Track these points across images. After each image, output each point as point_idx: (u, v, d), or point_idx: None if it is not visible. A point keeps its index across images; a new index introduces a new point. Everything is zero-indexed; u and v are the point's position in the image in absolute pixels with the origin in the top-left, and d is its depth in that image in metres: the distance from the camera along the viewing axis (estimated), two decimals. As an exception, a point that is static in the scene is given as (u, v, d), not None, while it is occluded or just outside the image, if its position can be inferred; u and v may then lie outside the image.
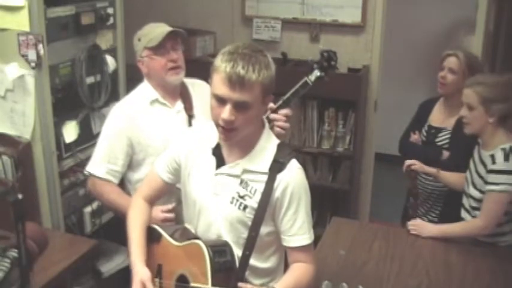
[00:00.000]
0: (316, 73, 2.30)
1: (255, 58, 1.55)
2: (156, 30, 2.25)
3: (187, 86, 2.39)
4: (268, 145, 1.70)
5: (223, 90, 1.55)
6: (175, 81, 2.28)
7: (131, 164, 2.32)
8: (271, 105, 2.24)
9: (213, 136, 1.73)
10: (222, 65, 1.55)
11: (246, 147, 1.68)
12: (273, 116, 2.13)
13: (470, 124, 2.42)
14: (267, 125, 1.76)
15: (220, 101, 1.57)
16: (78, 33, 2.64)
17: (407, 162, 2.72)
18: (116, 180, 2.30)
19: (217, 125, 1.62)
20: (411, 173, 2.76)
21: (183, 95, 2.37)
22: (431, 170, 2.69)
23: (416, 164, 2.70)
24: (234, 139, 1.64)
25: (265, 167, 1.67)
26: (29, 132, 2.51)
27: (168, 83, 2.28)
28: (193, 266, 1.67)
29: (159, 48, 2.23)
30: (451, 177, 2.68)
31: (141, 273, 1.70)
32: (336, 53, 2.33)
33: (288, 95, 2.29)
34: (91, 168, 2.31)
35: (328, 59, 2.32)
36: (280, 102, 2.28)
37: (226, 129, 1.60)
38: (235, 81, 1.53)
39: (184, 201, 1.86)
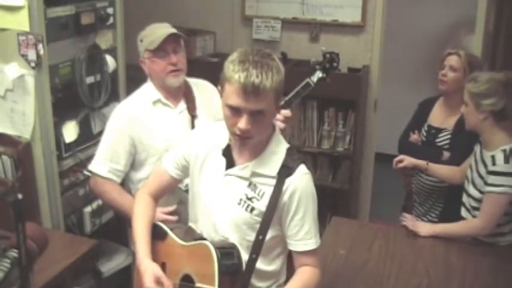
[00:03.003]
0: (318, 74, 2.31)
1: (266, 65, 1.55)
2: (157, 32, 2.25)
3: (191, 86, 2.39)
4: (277, 149, 1.71)
5: (238, 100, 1.55)
6: (174, 84, 2.28)
7: (134, 164, 2.33)
8: None
9: (223, 137, 1.73)
10: (234, 75, 1.53)
11: (256, 149, 1.69)
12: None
13: (466, 120, 2.45)
14: (277, 128, 1.76)
15: (236, 111, 1.57)
16: (78, 33, 2.64)
17: (396, 159, 2.72)
18: (118, 179, 2.31)
19: (233, 134, 1.63)
20: (405, 171, 2.76)
21: (187, 95, 2.37)
22: (421, 162, 2.69)
23: (405, 161, 2.70)
24: (250, 144, 1.65)
25: (274, 171, 1.67)
26: (29, 132, 2.51)
27: (168, 85, 2.29)
28: (199, 267, 1.67)
29: (159, 51, 2.23)
30: (441, 170, 2.69)
31: (152, 268, 1.70)
32: (338, 54, 2.34)
33: (289, 96, 2.30)
34: (93, 166, 2.32)
35: (330, 61, 2.33)
36: (281, 102, 2.28)
37: (243, 137, 1.60)
38: (250, 91, 1.52)
39: (191, 200, 1.86)
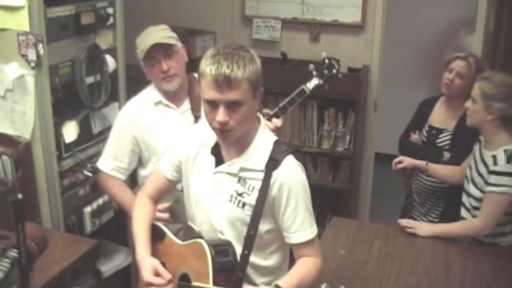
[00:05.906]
0: (315, 81, 2.29)
1: (238, 55, 1.57)
2: (147, 39, 2.24)
3: (197, 84, 2.38)
4: (264, 142, 1.71)
5: (212, 93, 1.57)
6: (169, 89, 2.30)
7: (140, 161, 2.41)
8: (266, 111, 2.24)
9: (212, 135, 1.74)
10: (206, 69, 1.56)
11: (242, 145, 1.69)
12: (265, 123, 2.14)
13: (469, 116, 2.43)
14: (263, 121, 1.76)
15: (212, 104, 1.58)
16: (78, 33, 2.64)
17: (395, 160, 2.72)
18: (122, 176, 2.39)
19: (214, 128, 1.64)
20: (405, 171, 2.76)
21: (192, 95, 2.37)
22: (421, 163, 2.69)
23: (404, 161, 2.70)
24: (233, 138, 1.65)
25: (261, 164, 1.68)
26: (29, 132, 2.51)
27: (164, 90, 2.31)
28: (195, 265, 1.68)
29: (149, 60, 2.24)
30: (440, 170, 2.68)
31: (151, 261, 1.74)
32: (338, 60, 2.30)
33: (284, 102, 2.29)
34: (99, 163, 2.43)
35: (329, 67, 2.29)
36: (276, 109, 2.28)
37: (223, 131, 1.61)
38: (223, 82, 1.54)
39: (186, 200, 1.88)
